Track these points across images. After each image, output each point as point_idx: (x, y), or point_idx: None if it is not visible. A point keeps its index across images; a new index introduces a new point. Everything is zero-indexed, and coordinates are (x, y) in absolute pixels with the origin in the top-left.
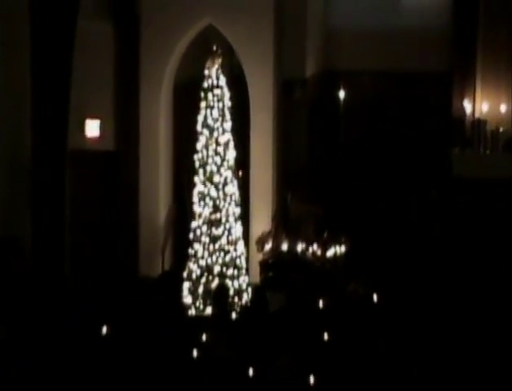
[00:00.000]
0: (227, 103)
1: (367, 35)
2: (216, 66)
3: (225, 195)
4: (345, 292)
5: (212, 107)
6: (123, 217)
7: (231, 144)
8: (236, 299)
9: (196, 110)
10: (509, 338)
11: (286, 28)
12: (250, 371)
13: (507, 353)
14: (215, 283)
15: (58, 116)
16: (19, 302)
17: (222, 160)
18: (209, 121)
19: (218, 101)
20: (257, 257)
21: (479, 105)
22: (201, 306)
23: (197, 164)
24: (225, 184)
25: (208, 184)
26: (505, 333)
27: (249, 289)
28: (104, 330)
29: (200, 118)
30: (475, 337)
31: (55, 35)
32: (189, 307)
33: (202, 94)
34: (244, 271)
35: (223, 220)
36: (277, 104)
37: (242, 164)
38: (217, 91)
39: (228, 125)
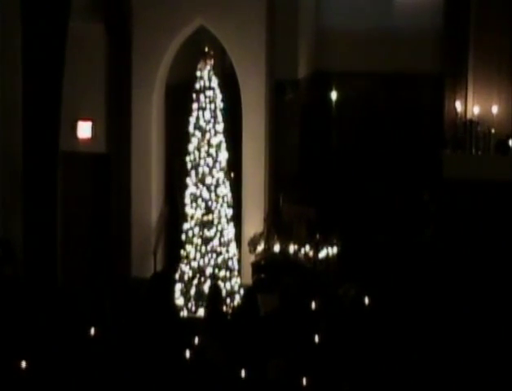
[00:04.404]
0: (219, 104)
1: (359, 36)
2: (208, 67)
3: (217, 196)
4: (336, 293)
5: (204, 109)
6: (115, 218)
7: (224, 146)
8: (228, 301)
9: (188, 111)
10: (503, 339)
11: (278, 30)
12: (242, 373)
13: (499, 353)
14: (207, 284)
15: (49, 117)
16: (10, 305)
17: (215, 161)
18: (201, 123)
19: (210, 102)
20: (249, 259)
21: (471, 106)
22: (193, 308)
23: (189, 165)
24: (217, 186)
25: (200, 186)
26: (498, 334)
27: (242, 291)
28: (93, 331)
29: (192, 120)
30: (468, 339)
31: (46, 36)
32: (181, 309)
33: (194, 96)
34: (236, 273)
35: (215, 221)
36: (269, 105)
37: (234, 165)
38: (209, 93)
39: (220, 126)
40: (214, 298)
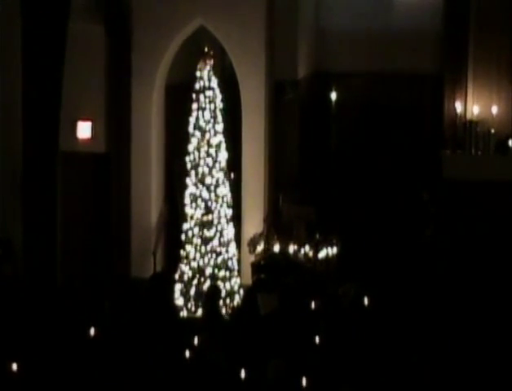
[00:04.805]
0: (219, 104)
1: (359, 37)
2: (208, 67)
3: (217, 196)
4: (336, 293)
5: (204, 109)
6: (115, 218)
7: (223, 146)
8: (228, 301)
9: (188, 111)
10: (503, 339)
11: (278, 30)
12: (242, 374)
13: (500, 354)
14: (207, 284)
15: (49, 117)
16: (10, 304)
17: (214, 161)
18: (201, 123)
19: (210, 103)
20: (249, 259)
21: (471, 107)
22: (193, 308)
23: (189, 165)
24: (217, 186)
25: (200, 186)
26: (498, 334)
27: (241, 291)
28: (92, 331)
29: (192, 120)
30: (468, 340)
31: (46, 36)
32: (181, 309)
33: (194, 96)
34: (236, 273)
35: (215, 222)
36: (269, 106)
37: (234, 165)
38: (209, 93)
39: (220, 126)
40: (211, 298)
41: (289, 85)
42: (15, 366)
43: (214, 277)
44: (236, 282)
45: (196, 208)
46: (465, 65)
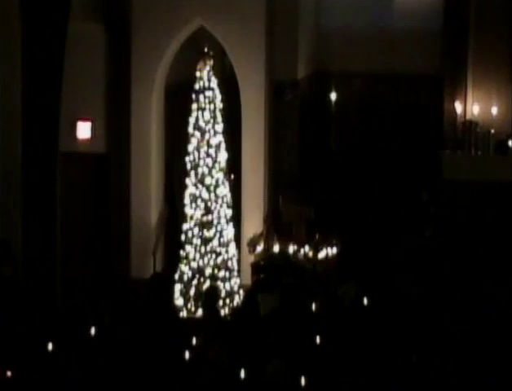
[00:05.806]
0: (219, 104)
1: (359, 37)
2: (207, 68)
3: (217, 197)
4: (336, 294)
5: (203, 109)
6: (114, 219)
7: (223, 146)
8: (228, 301)
9: (188, 112)
10: (503, 340)
11: (278, 30)
12: (242, 374)
13: (499, 355)
14: (207, 285)
15: (49, 117)
16: (9, 305)
17: (214, 161)
18: (201, 123)
19: (210, 103)
20: (248, 259)
21: (470, 107)
22: (193, 308)
23: (189, 166)
24: (217, 186)
25: (199, 186)
26: (498, 335)
27: (241, 291)
28: (93, 331)
29: (192, 120)
30: (468, 340)
31: (46, 36)
32: (181, 309)
33: (194, 96)
34: (235, 273)
35: (215, 222)
36: (269, 106)
37: (234, 165)
38: (208, 93)
39: (220, 126)
40: (209, 298)
41: (289, 85)
42: (8, 373)
43: (213, 277)
44: (235, 282)
45: (195, 209)
46: (465, 65)
